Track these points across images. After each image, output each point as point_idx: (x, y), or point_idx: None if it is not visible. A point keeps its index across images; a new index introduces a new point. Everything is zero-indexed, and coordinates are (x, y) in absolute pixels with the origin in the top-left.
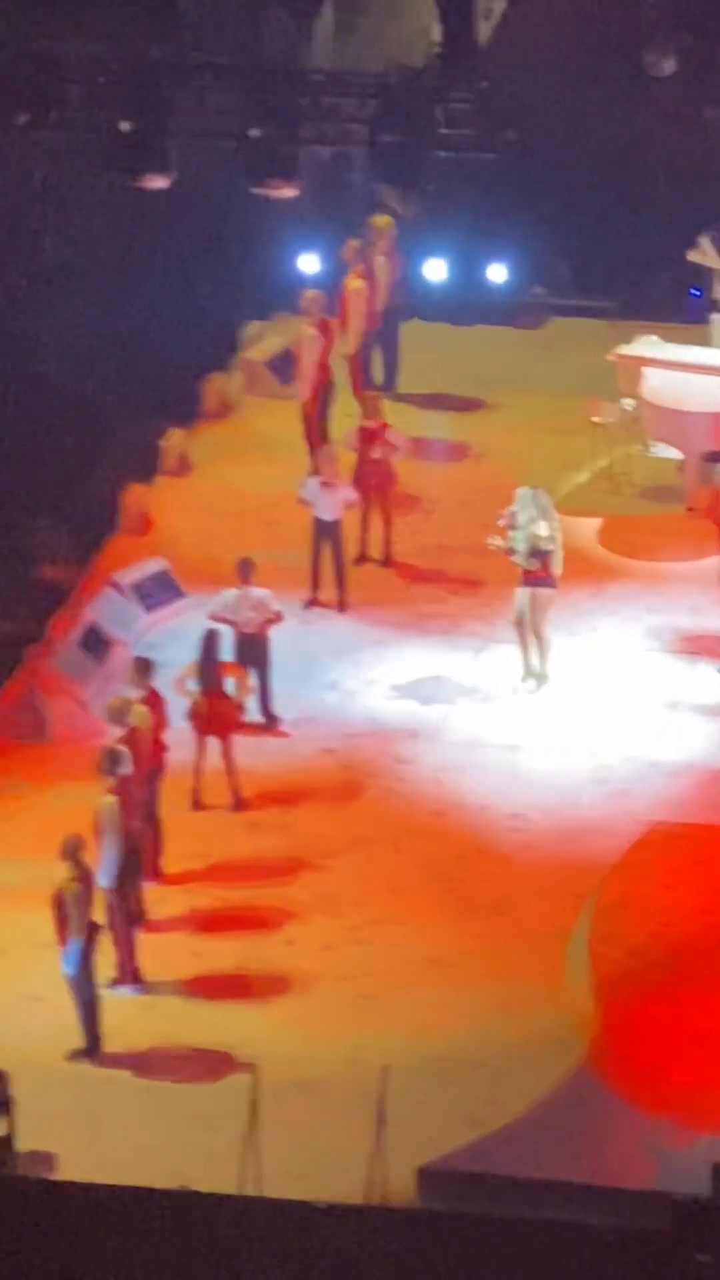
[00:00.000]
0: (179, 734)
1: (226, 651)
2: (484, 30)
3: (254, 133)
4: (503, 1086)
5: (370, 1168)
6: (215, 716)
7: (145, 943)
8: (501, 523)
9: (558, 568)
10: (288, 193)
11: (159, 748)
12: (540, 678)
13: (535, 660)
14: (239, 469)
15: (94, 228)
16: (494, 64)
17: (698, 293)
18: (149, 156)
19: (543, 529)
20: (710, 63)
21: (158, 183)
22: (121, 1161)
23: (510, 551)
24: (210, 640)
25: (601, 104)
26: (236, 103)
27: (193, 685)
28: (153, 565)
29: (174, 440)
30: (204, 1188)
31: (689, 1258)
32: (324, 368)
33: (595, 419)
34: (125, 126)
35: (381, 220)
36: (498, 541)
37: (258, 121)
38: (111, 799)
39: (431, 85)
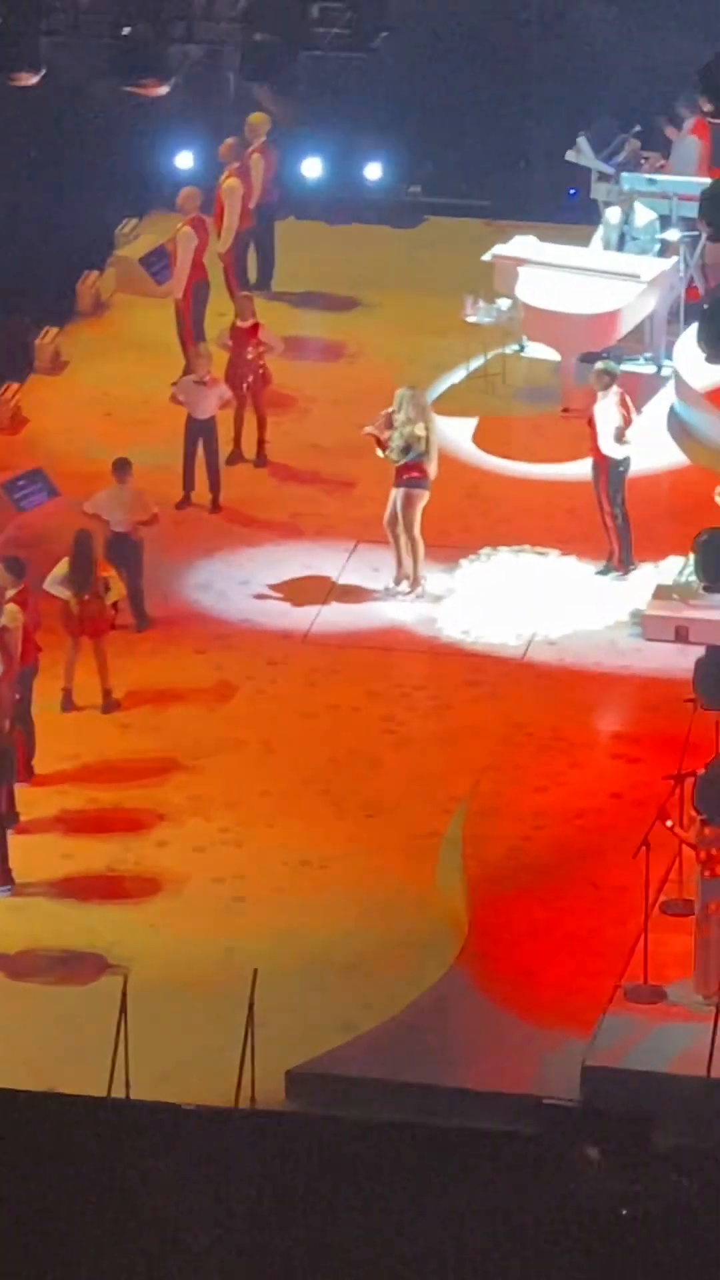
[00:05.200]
0: (50, 634)
1: (99, 551)
2: None
3: (125, 31)
4: (374, 990)
5: (240, 1071)
6: (87, 617)
7: (16, 844)
8: (377, 422)
9: (433, 469)
10: (159, 91)
11: (31, 648)
12: (413, 579)
13: (408, 562)
14: (113, 367)
15: None
16: None
17: (575, 193)
18: (19, 54)
19: (420, 429)
20: None
21: (28, 80)
22: None
23: (384, 442)
24: (83, 540)
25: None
26: (108, 0)
27: (65, 585)
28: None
29: (48, 338)
30: (72, 1090)
31: (559, 1162)
32: (198, 266)
33: (470, 319)
34: None
35: (257, 118)
36: (369, 429)
37: (128, 19)
38: None
39: None
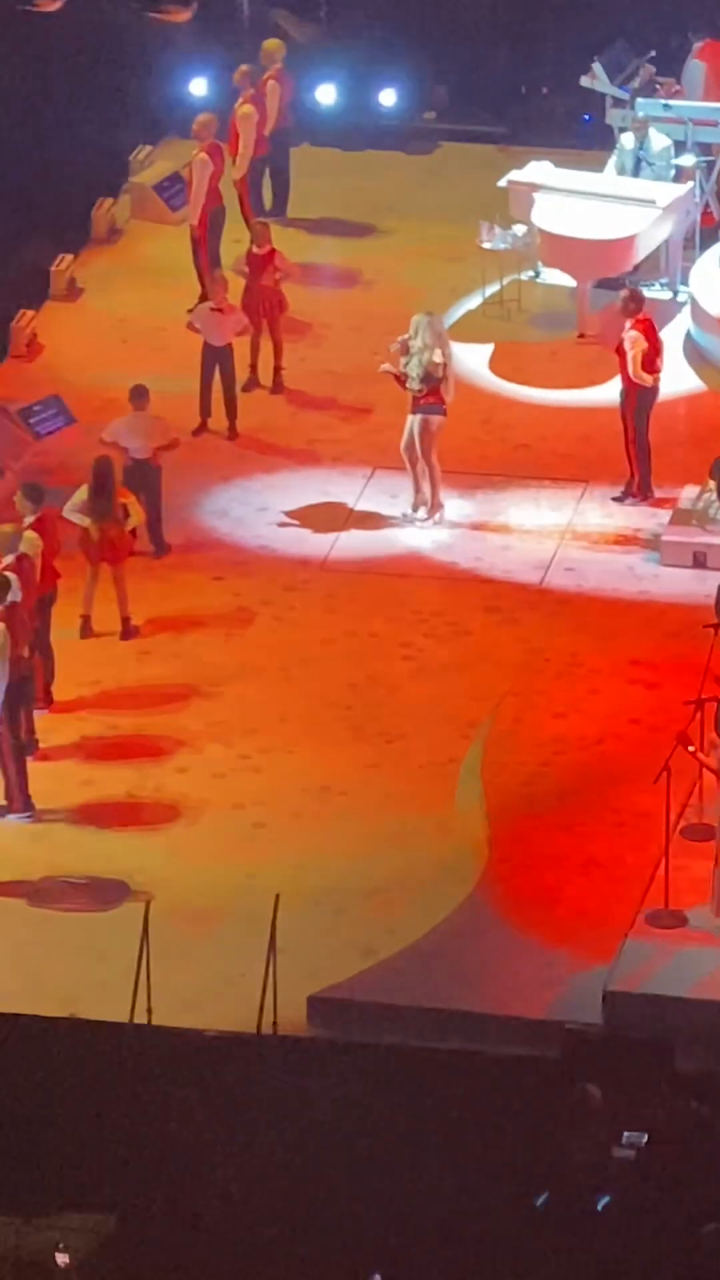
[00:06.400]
0: (69, 561)
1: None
2: None
3: None
4: (394, 915)
5: (262, 996)
6: (106, 543)
7: (36, 771)
8: (394, 348)
9: (450, 395)
10: (183, 18)
11: (50, 574)
12: (430, 506)
13: (425, 488)
14: (129, 294)
15: None
16: None
17: (590, 118)
18: None
19: (437, 355)
20: None
21: (50, 5)
22: (13, 990)
23: (403, 378)
24: (103, 467)
25: None
26: None
27: (84, 512)
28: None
29: (63, 265)
30: (95, 1016)
31: (579, 1086)
32: (214, 193)
33: (485, 245)
34: None
35: (272, 44)
36: (387, 366)
37: None
38: (1, 627)
39: None
